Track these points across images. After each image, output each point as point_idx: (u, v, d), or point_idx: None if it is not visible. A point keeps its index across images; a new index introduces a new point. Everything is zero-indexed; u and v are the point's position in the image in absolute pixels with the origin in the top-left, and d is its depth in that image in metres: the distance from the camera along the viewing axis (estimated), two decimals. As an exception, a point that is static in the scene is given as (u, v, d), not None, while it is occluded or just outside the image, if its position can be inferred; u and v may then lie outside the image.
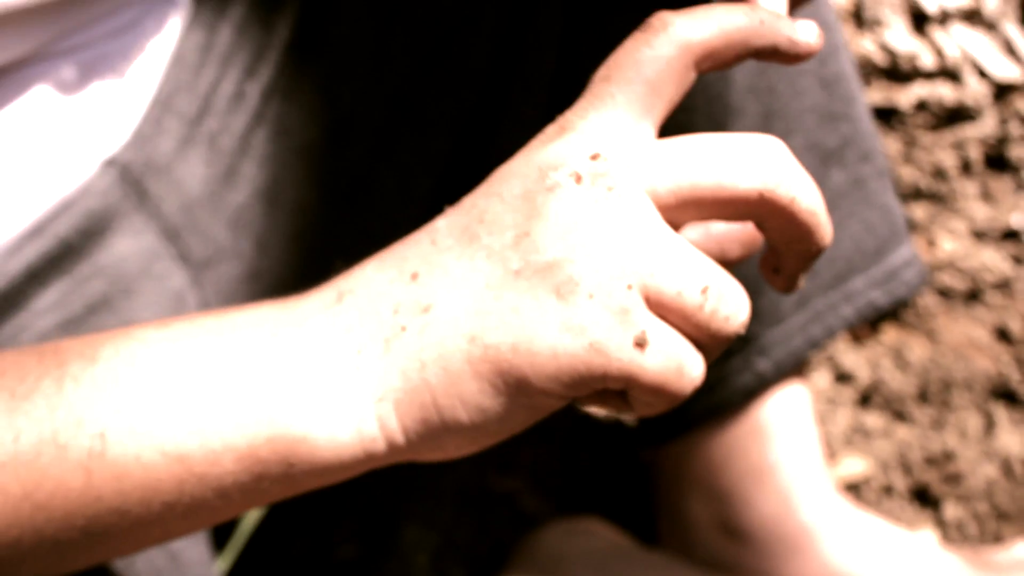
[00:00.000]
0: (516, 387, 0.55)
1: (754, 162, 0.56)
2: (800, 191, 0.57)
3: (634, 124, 0.58)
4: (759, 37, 0.59)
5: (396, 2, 0.89)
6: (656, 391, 0.55)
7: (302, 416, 0.56)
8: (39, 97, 0.80)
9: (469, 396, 0.55)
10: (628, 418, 0.58)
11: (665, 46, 0.58)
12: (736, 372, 1.03)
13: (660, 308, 0.55)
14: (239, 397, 0.57)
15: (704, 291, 0.55)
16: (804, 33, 0.60)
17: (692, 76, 0.59)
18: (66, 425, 0.57)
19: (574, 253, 0.54)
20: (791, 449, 1.05)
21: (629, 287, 0.54)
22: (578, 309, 0.54)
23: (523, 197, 0.56)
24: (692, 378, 0.56)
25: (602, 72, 0.59)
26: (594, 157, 0.56)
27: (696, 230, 0.67)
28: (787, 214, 0.57)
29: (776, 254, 0.61)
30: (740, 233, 0.68)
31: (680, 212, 0.56)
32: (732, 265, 0.67)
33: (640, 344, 0.54)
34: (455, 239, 0.57)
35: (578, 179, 0.55)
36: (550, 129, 0.58)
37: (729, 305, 0.56)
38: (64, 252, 0.83)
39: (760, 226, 0.58)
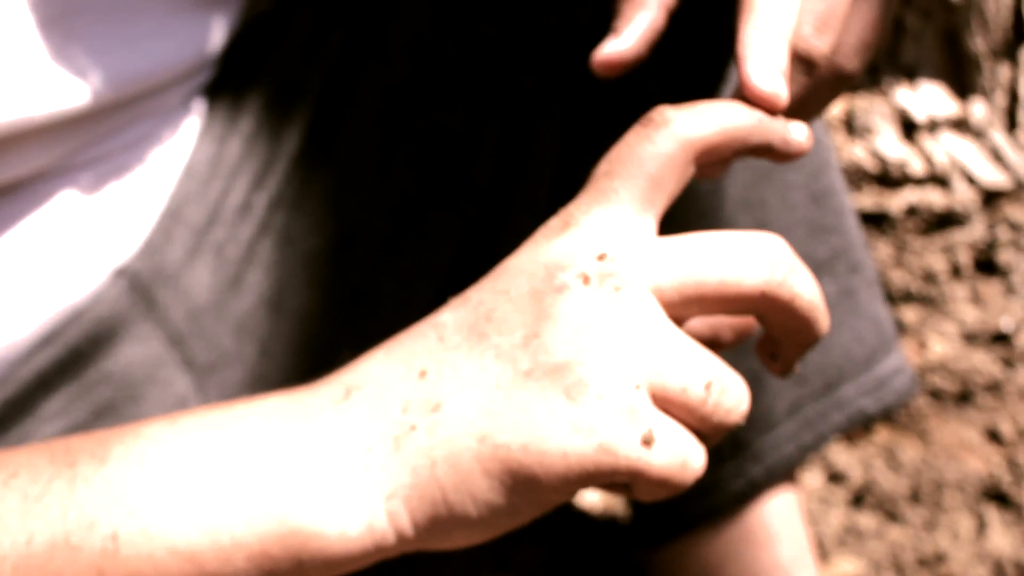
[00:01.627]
0: (525, 485, 0.55)
1: (757, 260, 0.57)
2: (802, 287, 0.58)
3: (636, 219, 0.58)
4: (756, 135, 0.61)
5: (401, 116, 0.90)
6: (661, 484, 0.56)
7: (313, 513, 0.56)
8: (57, 208, 0.81)
9: (479, 493, 0.55)
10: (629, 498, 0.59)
11: (667, 142, 0.59)
12: (730, 478, 1.03)
13: (665, 403, 0.56)
14: (249, 495, 0.57)
15: (707, 386, 0.56)
16: (796, 133, 0.62)
17: (692, 171, 0.60)
18: (78, 527, 0.57)
19: (583, 354, 0.55)
20: (783, 553, 1.05)
21: (637, 387, 0.55)
22: (587, 409, 0.54)
23: (531, 296, 0.57)
24: (695, 470, 0.56)
25: (603, 167, 0.59)
26: (600, 257, 0.56)
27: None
28: (789, 309, 0.58)
29: (773, 342, 0.62)
30: (733, 320, 0.69)
31: (684, 308, 0.57)
32: (723, 350, 0.69)
33: (647, 442, 0.54)
34: (463, 337, 0.58)
35: (586, 280, 0.56)
36: (553, 223, 0.59)
37: (731, 398, 0.57)
38: (73, 359, 0.83)
39: (760, 319, 0.60)
